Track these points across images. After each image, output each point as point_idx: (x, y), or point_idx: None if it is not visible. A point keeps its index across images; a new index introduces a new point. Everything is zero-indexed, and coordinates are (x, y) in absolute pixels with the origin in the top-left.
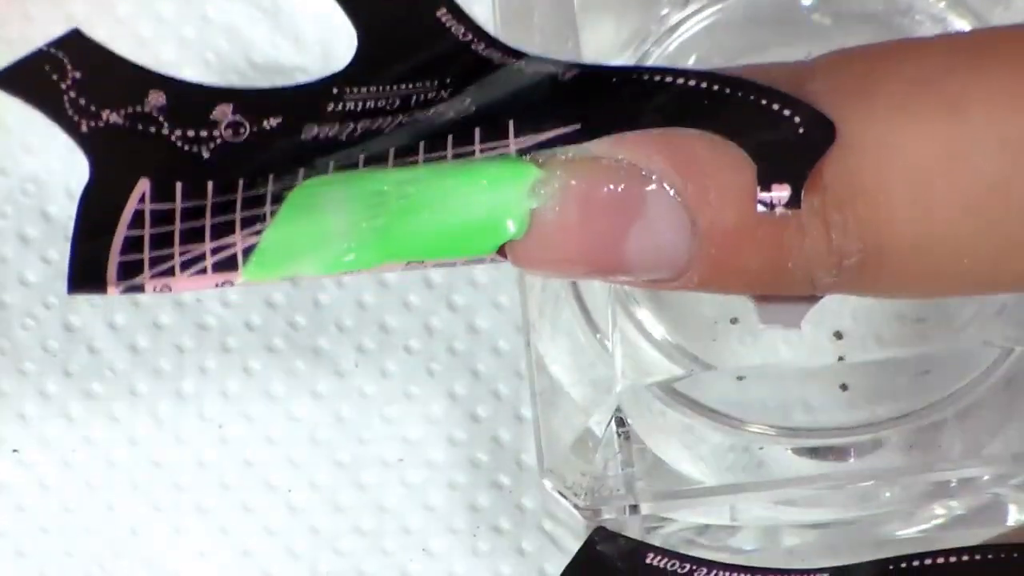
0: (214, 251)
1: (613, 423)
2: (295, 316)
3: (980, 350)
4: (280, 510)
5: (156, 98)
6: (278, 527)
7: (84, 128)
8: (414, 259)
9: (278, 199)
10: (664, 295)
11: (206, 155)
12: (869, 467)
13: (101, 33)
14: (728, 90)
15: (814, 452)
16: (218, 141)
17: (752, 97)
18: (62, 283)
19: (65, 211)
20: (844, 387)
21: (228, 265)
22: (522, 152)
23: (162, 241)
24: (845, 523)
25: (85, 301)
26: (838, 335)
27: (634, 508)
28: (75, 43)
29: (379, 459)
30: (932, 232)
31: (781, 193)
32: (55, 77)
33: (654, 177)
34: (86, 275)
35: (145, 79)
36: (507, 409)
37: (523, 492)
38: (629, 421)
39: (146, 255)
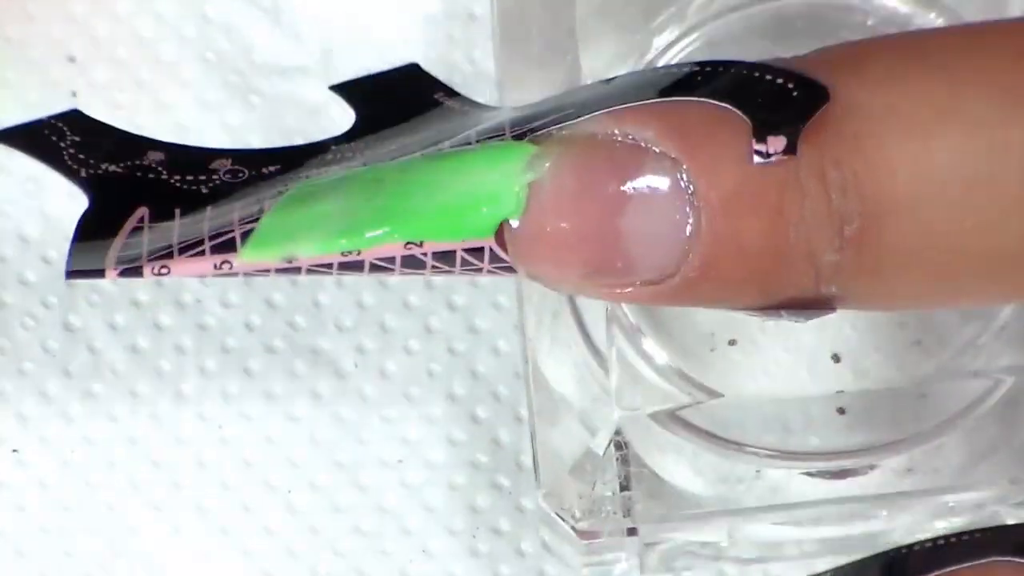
0: (212, 236)
1: (612, 445)
2: (295, 317)
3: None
4: (280, 510)
5: (155, 156)
6: (278, 527)
7: (83, 174)
8: (412, 239)
9: (275, 197)
10: (661, 316)
11: (204, 191)
12: (867, 490)
13: (101, 32)
14: (720, 68)
15: (812, 475)
16: (216, 182)
17: (744, 71)
18: (62, 283)
19: (65, 211)
20: (842, 411)
21: (227, 247)
22: (517, 138)
23: (161, 235)
24: (844, 539)
25: (85, 301)
26: (836, 358)
27: (632, 531)
28: (75, 118)
29: (379, 460)
30: (931, 189)
31: (777, 143)
32: (54, 138)
33: (649, 146)
34: (84, 261)
35: (144, 143)
36: (507, 410)
37: (523, 493)
38: (628, 442)
39: (145, 245)
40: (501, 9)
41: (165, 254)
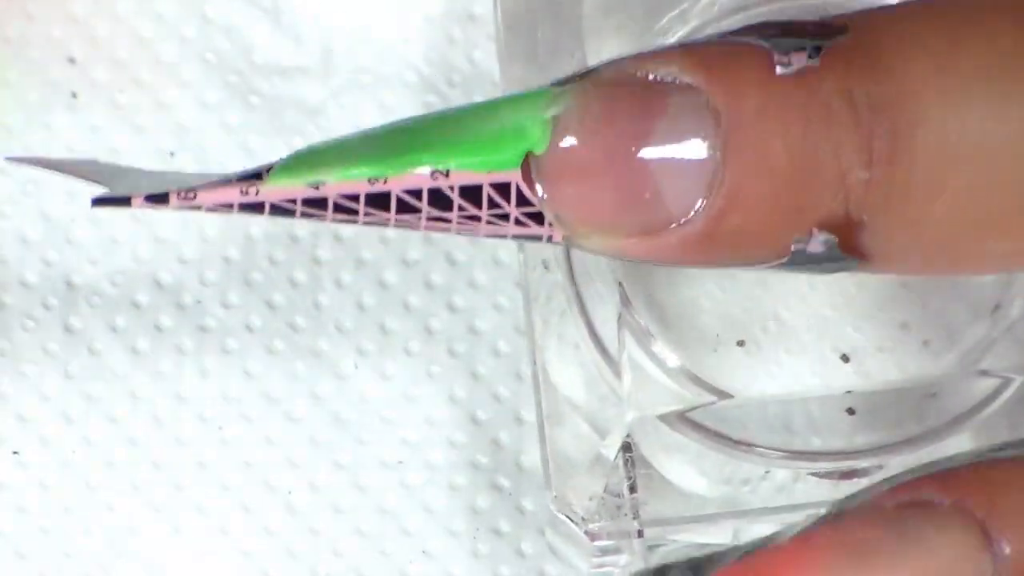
0: (239, 175)
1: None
2: (295, 318)
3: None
4: (280, 511)
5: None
6: (278, 528)
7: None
8: (438, 167)
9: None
10: (670, 317)
11: None
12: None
13: (101, 32)
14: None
15: (820, 476)
16: None
17: (761, 24)
18: (63, 284)
19: (65, 213)
20: (851, 411)
21: (253, 176)
22: None
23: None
24: None
25: (85, 302)
26: (844, 358)
27: (640, 533)
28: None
29: (379, 461)
30: (958, 101)
31: (799, 58)
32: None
33: (673, 78)
34: (111, 197)
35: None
36: (507, 411)
37: (523, 494)
38: (636, 444)
39: (172, 183)
40: (504, 9)
41: (191, 188)
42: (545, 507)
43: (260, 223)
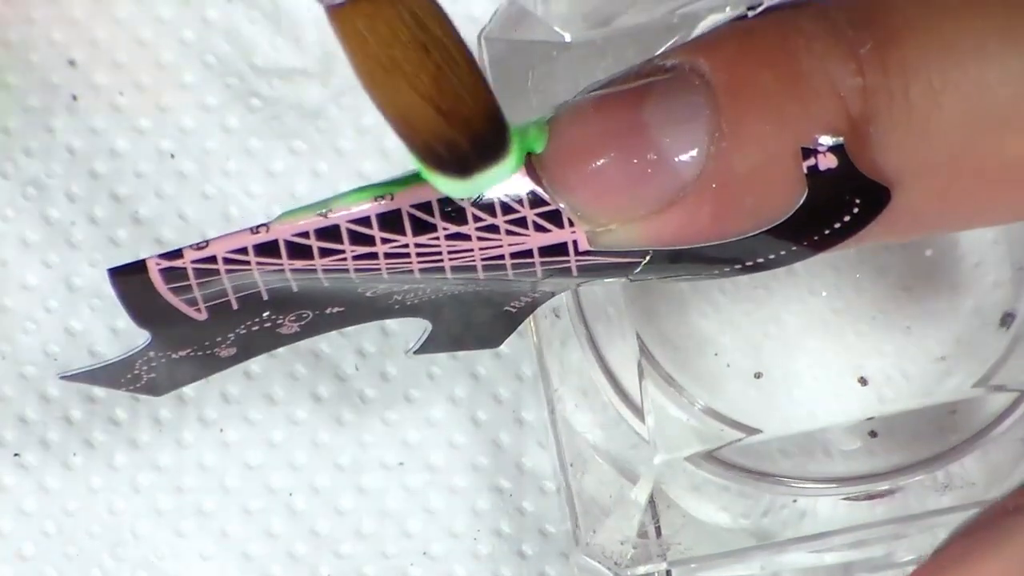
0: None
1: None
2: None
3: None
4: (281, 513)
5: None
6: (279, 530)
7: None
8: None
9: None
10: (688, 357)
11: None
12: (906, 511)
13: (101, 35)
14: None
15: (848, 499)
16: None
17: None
18: (63, 287)
19: (65, 215)
20: (873, 433)
21: (262, 223)
22: None
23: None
24: (881, 559)
25: (86, 305)
26: (863, 381)
27: (668, 574)
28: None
29: (379, 463)
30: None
31: None
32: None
33: (657, 62)
34: (126, 264)
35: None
36: (507, 412)
37: (523, 495)
38: (663, 485)
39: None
40: (491, 57)
41: (203, 241)
42: (546, 508)
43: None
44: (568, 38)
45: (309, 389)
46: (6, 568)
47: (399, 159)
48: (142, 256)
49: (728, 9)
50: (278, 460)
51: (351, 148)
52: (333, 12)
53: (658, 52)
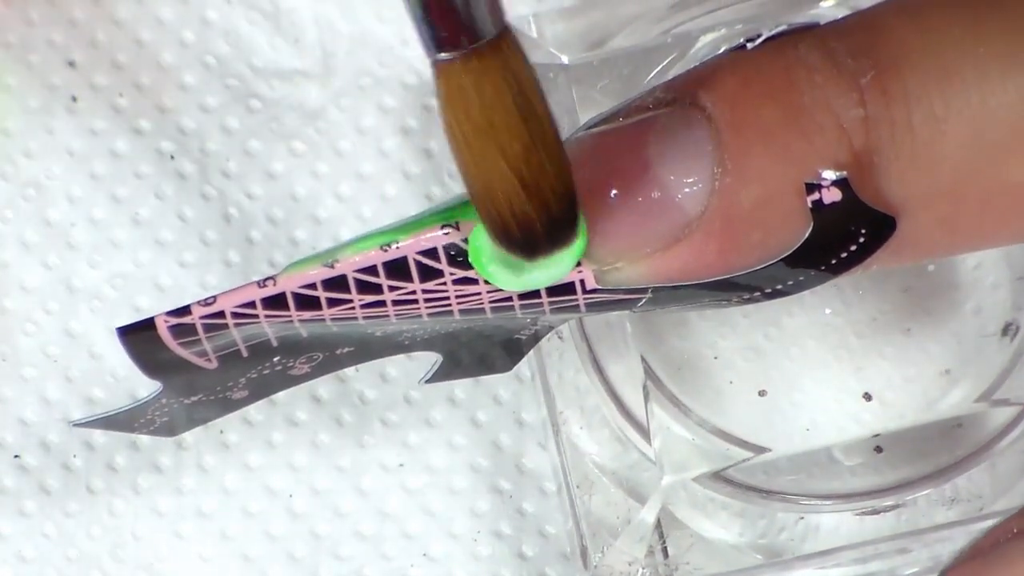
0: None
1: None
2: None
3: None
4: (281, 515)
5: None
6: (279, 532)
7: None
8: (448, 221)
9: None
10: (693, 376)
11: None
12: (914, 525)
13: (101, 37)
14: None
15: (854, 516)
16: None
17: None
18: (63, 288)
19: (65, 217)
20: (879, 449)
21: (268, 276)
22: None
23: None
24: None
25: (86, 307)
26: (867, 396)
27: None
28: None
29: (379, 464)
30: (942, 27)
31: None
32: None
33: (654, 100)
34: (135, 322)
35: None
36: (507, 413)
37: (523, 497)
38: (670, 506)
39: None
40: None
41: (210, 297)
42: (546, 509)
43: (260, 226)
44: (565, 60)
45: (309, 391)
46: (7, 570)
47: (398, 159)
48: (142, 256)
49: (723, 30)
50: (278, 461)
51: (351, 149)
52: (440, 67)
53: (654, 72)
